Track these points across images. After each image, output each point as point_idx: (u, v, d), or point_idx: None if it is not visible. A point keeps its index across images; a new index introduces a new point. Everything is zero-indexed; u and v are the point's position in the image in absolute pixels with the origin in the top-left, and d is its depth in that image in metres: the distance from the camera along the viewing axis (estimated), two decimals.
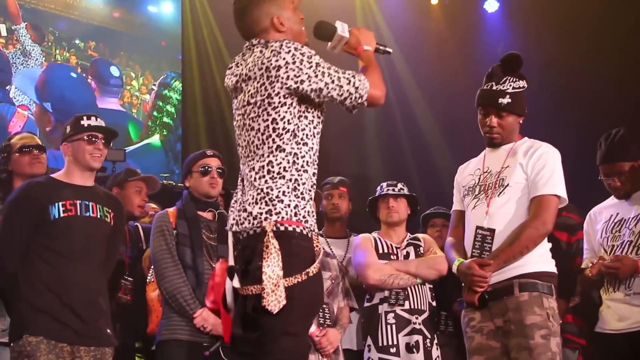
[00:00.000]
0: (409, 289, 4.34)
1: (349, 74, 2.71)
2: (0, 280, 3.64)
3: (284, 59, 2.65)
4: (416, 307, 4.32)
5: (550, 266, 3.49)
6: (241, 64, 2.81)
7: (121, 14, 9.51)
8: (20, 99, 8.26)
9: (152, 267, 4.16)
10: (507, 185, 3.51)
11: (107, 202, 3.81)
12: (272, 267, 2.53)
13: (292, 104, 2.68)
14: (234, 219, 2.71)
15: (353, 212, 5.01)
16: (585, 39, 7.66)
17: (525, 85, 3.62)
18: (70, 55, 8.85)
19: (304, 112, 2.71)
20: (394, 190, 4.57)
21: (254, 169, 2.70)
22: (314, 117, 2.75)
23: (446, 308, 4.58)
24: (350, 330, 4.52)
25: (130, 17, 9.65)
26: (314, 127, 2.75)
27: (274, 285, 2.52)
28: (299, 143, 2.69)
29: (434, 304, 4.42)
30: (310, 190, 2.72)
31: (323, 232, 4.91)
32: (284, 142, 2.67)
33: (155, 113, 9.57)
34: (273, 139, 2.67)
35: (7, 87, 8.24)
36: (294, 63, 2.65)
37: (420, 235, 4.65)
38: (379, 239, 4.53)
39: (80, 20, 9.06)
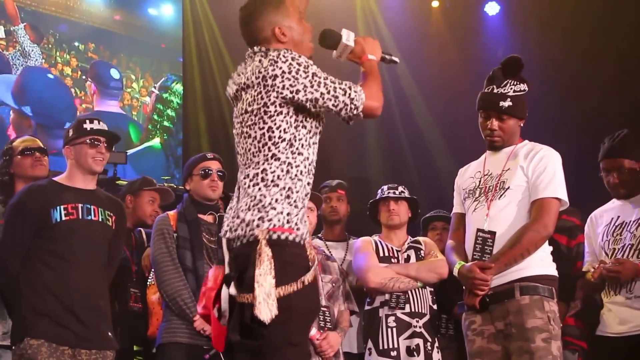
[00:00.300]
0: (409, 292, 4.34)
1: (345, 85, 2.70)
2: (1, 283, 3.66)
3: (281, 68, 2.66)
4: (417, 310, 4.32)
5: (551, 269, 3.49)
6: (242, 73, 2.80)
7: (121, 16, 9.49)
8: None
9: (152, 269, 4.17)
10: (508, 188, 3.51)
11: (109, 206, 3.81)
12: (264, 275, 2.51)
13: (288, 113, 2.68)
14: (227, 226, 2.70)
15: (352, 214, 5.01)
16: (586, 42, 7.66)
17: (526, 89, 3.62)
18: (70, 58, 8.84)
19: (301, 121, 2.71)
20: (394, 193, 4.57)
21: (248, 176, 2.69)
22: (311, 127, 2.74)
23: (447, 311, 4.58)
24: (351, 334, 4.52)
25: (131, 20, 9.64)
26: (311, 137, 2.74)
27: (266, 295, 2.49)
28: (294, 152, 2.68)
29: (434, 307, 4.42)
30: (303, 199, 2.71)
31: (322, 235, 4.91)
32: (279, 151, 2.66)
33: (155, 117, 9.55)
34: (269, 147, 2.67)
35: None
36: (289, 72, 2.65)
37: (421, 239, 4.65)
38: (380, 242, 4.53)
39: (81, 23, 9.05)
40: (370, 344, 4.32)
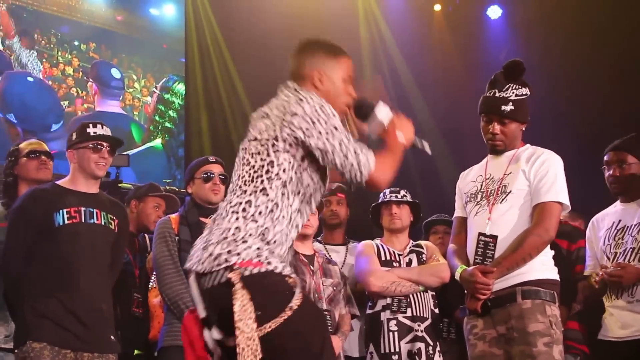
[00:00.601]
0: (411, 296, 4.34)
1: (359, 148, 2.61)
2: (4, 286, 3.67)
3: (303, 108, 2.58)
4: (418, 314, 4.32)
5: (552, 273, 3.50)
6: (269, 104, 2.74)
7: (123, 16, 9.50)
8: None
9: (154, 272, 4.18)
10: (510, 192, 3.51)
11: (111, 209, 3.82)
12: (244, 320, 2.42)
13: (294, 155, 2.61)
14: (196, 257, 2.58)
15: (352, 218, 5.01)
16: (588, 45, 7.67)
17: (528, 93, 3.62)
18: (72, 57, 8.85)
19: (304, 169, 2.63)
20: (397, 197, 4.57)
21: (230, 202, 2.61)
22: (309, 177, 2.65)
23: (448, 315, 4.58)
24: (351, 337, 4.52)
25: (132, 20, 9.64)
26: (302, 187, 2.63)
27: (248, 339, 2.41)
28: (285, 195, 2.59)
29: (436, 311, 4.41)
30: (280, 245, 2.57)
31: (322, 239, 4.92)
32: (271, 188, 2.58)
33: (157, 117, 9.55)
34: (262, 180, 2.59)
35: None
36: (310, 115, 2.58)
37: (422, 242, 4.64)
38: (382, 245, 4.53)
39: (82, 23, 9.06)
40: (371, 348, 4.31)
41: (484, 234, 3.48)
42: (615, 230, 4.06)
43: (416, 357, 4.21)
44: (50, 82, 8.63)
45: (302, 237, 4.17)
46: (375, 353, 4.29)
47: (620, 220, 4.07)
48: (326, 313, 4.19)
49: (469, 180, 3.73)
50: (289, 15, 8.83)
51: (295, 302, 2.49)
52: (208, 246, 2.55)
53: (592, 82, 7.54)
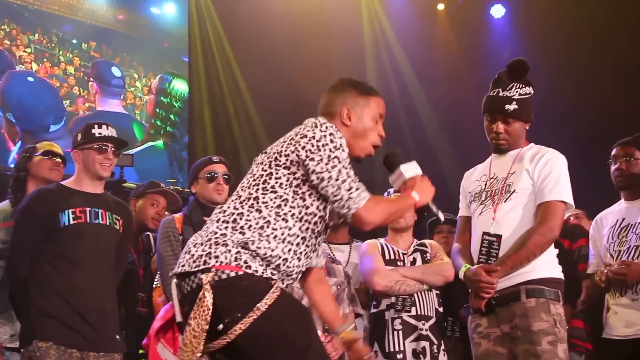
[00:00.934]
0: (415, 295, 4.34)
1: (355, 184, 2.63)
2: (10, 286, 3.69)
3: (314, 133, 2.62)
4: (423, 313, 4.32)
5: (557, 272, 3.50)
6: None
7: (124, 15, 9.51)
8: None
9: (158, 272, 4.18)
10: (514, 191, 3.51)
11: (116, 210, 3.84)
12: (197, 320, 2.43)
13: (294, 174, 2.63)
14: (179, 263, 2.62)
15: None
16: (592, 45, 7.67)
17: (532, 92, 3.61)
18: (73, 57, 8.86)
19: (302, 192, 2.64)
20: None
21: (225, 211, 2.64)
22: (311, 205, 2.65)
23: (453, 314, 4.58)
24: None
25: (133, 19, 9.65)
26: (306, 214, 2.64)
27: (194, 337, 2.44)
28: (279, 215, 2.60)
29: (440, 310, 4.41)
30: (262, 259, 2.55)
31: (326, 238, 4.89)
32: (264, 201, 2.60)
33: (158, 122, 9.54)
34: (257, 189, 2.62)
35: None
36: (318, 141, 2.61)
37: (427, 242, 4.64)
38: (386, 245, 4.53)
39: (84, 22, 9.08)
40: (376, 347, 4.32)
41: (488, 234, 3.48)
42: (619, 228, 4.06)
43: (421, 355, 4.22)
44: (51, 82, 8.63)
45: None
46: (379, 352, 4.29)
47: (624, 219, 4.07)
48: None
49: (473, 179, 3.72)
50: (292, 14, 8.84)
51: (266, 302, 2.48)
52: (191, 249, 2.58)
53: (596, 80, 7.54)
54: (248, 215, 2.59)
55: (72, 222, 3.65)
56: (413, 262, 4.47)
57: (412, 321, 4.29)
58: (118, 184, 6.17)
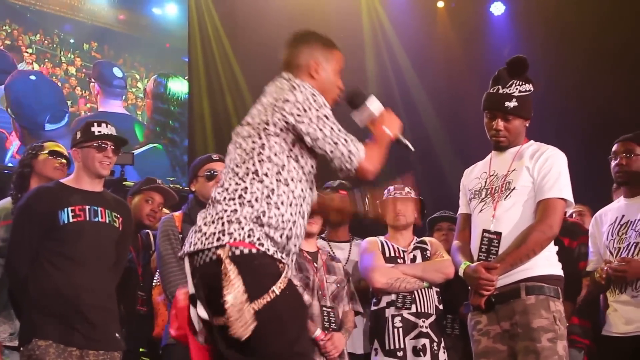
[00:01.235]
0: (415, 292, 4.34)
1: (349, 137, 2.68)
2: (10, 284, 3.69)
3: (295, 95, 2.66)
4: (423, 310, 4.32)
5: (556, 269, 3.50)
6: (263, 92, 2.80)
7: (125, 15, 9.51)
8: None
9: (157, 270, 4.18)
10: (514, 188, 3.51)
11: (115, 208, 3.84)
12: (233, 293, 2.46)
13: (285, 139, 2.67)
14: (188, 242, 2.65)
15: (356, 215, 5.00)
16: (592, 42, 7.67)
17: (532, 89, 3.61)
18: (74, 57, 8.86)
19: (295, 155, 2.68)
20: (401, 193, 4.57)
21: (227, 189, 2.66)
22: (304, 164, 2.71)
23: (453, 311, 4.58)
24: (355, 334, 4.51)
25: (135, 19, 9.65)
26: (304, 174, 2.71)
27: (238, 312, 2.46)
28: (280, 181, 2.65)
29: (440, 307, 4.42)
30: (276, 228, 2.61)
31: (325, 236, 4.91)
32: (263, 172, 2.63)
33: (157, 129, 9.53)
34: (254, 163, 2.65)
35: None
36: (302, 103, 2.65)
37: (427, 239, 4.64)
38: (386, 242, 4.53)
39: (85, 22, 9.07)
40: (376, 344, 4.32)
41: (488, 231, 3.48)
42: (619, 225, 4.06)
43: (421, 353, 4.22)
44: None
45: (306, 234, 4.17)
46: (380, 349, 4.29)
47: (623, 216, 4.07)
48: (330, 310, 4.19)
49: (473, 177, 3.72)
50: (292, 13, 8.84)
51: (279, 285, 2.53)
52: (202, 227, 2.61)
53: (595, 77, 7.54)
54: (252, 188, 2.62)
55: (71, 220, 3.65)
56: (413, 260, 4.47)
57: (412, 319, 4.29)
58: (119, 183, 6.15)
